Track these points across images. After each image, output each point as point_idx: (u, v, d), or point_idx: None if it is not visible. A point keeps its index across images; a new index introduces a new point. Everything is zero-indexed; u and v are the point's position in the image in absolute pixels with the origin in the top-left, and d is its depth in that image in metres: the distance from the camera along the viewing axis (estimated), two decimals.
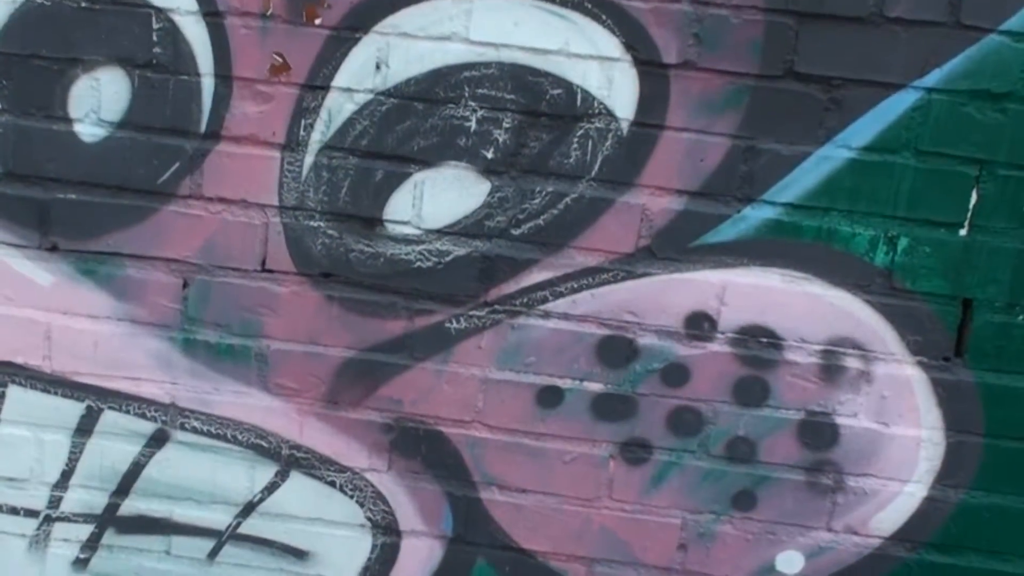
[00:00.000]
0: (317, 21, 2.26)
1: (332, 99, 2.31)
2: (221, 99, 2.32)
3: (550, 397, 2.44)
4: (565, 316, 2.39)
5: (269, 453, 2.51)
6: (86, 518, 2.58)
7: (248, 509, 2.55)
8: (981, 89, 2.20)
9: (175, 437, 2.51)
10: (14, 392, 2.51)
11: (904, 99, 2.22)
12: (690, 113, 2.26)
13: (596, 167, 2.31)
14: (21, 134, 2.36)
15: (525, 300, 2.39)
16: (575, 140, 2.29)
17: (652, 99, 2.26)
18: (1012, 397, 2.36)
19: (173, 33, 2.29)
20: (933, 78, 2.21)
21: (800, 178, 2.27)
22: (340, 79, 2.29)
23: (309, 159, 2.34)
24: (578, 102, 2.27)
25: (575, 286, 2.37)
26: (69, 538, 2.60)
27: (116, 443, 2.52)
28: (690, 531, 2.50)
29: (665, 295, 2.36)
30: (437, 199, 2.35)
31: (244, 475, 2.53)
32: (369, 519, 2.54)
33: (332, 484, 2.52)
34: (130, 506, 2.56)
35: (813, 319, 2.35)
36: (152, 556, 2.60)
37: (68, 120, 2.35)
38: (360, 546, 2.56)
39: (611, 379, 2.42)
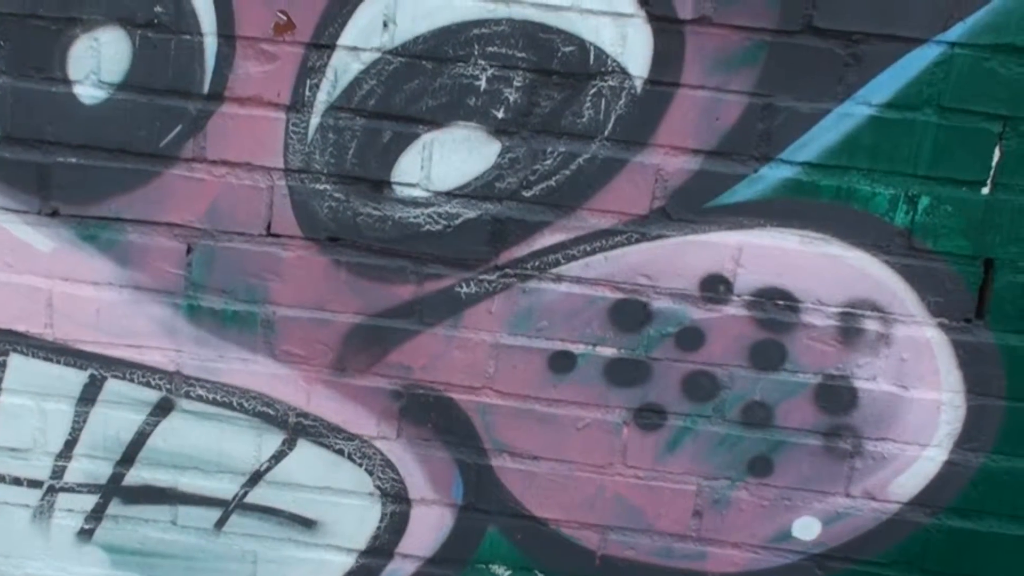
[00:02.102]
0: None
1: (338, 58, 2.25)
2: (224, 59, 2.27)
3: (562, 362, 2.40)
4: (578, 280, 2.35)
5: (276, 421, 2.47)
6: (90, 488, 2.55)
7: (255, 478, 2.52)
8: (1005, 43, 2.15)
9: (180, 405, 2.48)
10: (15, 360, 2.47)
11: (926, 54, 2.17)
12: (706, 70, 2.21)
13: (609, 126, 2.26)
14: (19, 96, 2.31)
15: (536, 263, 2.35)
16: (588, 99, 2.24)
17: (667, 56, 2.21)
18: None
19: None
20: (956, 32, 2.16)
21: (819, 136, 2.23)
22: (346, 37, 2.24)
23: (315, 120, 2.29)
24: (591, 60, 2.22)
25: (588, 249, 2.33)
26: (73, 508, 2.57)
27: (120, 412, 2.49)
28: (705, 497, 2.47)
29: (680, 257, 2.32)
30: (446, 160, 2.30)
31: (251, 444, 2.49)
32: (378, 487, 2.51)
33: (340, 452, 2.49)
34: (135, 476, 2.53)
35: (831, 281, 2.31)
36: (158, 526, 2.57)
37: (67, 82, 2.30)
38: (369, 515, 2.53)
39: (625, 344, 2.38)
